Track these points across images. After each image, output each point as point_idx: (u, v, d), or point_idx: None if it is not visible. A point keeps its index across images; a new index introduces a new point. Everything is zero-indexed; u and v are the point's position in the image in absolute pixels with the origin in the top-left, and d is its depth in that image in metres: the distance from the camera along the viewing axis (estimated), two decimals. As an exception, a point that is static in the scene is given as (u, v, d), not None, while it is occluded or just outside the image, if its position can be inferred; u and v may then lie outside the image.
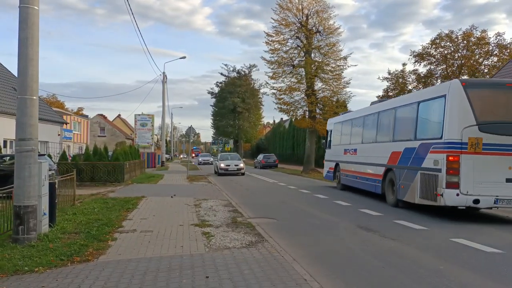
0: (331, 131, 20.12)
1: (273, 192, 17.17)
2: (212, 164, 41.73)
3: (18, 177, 6.93)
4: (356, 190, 16.39)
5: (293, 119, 39.66)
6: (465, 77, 38.17)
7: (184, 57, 41.22)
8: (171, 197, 14.03)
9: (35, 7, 7.10)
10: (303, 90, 34.61)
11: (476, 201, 9.64)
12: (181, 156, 49.20)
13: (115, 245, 7.01)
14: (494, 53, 37.83)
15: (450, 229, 8.98)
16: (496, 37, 37.34)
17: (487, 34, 37.29)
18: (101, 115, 68.02)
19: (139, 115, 42.43)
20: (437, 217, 10.57)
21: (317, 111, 34.85)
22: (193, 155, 77.21)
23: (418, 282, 5.36)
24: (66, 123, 32.67)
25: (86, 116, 54.07)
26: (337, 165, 18.36)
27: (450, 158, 9.77)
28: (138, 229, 8.32)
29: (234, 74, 66.56)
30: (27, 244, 6.77)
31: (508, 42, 37.16)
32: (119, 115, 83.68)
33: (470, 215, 11.22)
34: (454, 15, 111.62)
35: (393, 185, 12.55)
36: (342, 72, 34.92)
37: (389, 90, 40.96)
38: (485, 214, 11.51)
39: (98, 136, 60.99)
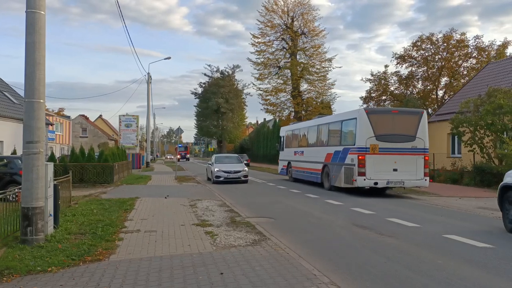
0: (283, 137, 25.18)
1: (262, 191, 17.42)
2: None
3: (26, 179, 7.01)
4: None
5: (277, 120, 40.05)
6: (445, 78, 39.20)
7: (169, 58, 41.10)
8: (165, 198, 14.16)
9: (42, 12, 7.19)
10: (289, 91, 35.09)
11: (376, 183, 15.16)
12: (168, 156, 45.78)
13: (123, 245, 7.16)
14: (473, 55, 38.88)
15: (440, 226, 9.39)
16: (475, 39, 38.46)
17: (466, 36, 38.35)
18: (83, 115, 67.15)
19: (123, 115, 42.08)
20: (415, 212, 11.03)
21: (303, 112, 35.27)
22: (178, 156, 63.59)
23: (421, 275, 5.69)
24: (52, 124, 32.28)
25: (68, 117, 53.38)
26: (289, 163, 23.53)
27: (360, 157, 15.18)
28: (142, 229, 8.47)
29: (218, 75, 66.53)
30: (36, 245, 6.86)
31: (486, 44, 38.29)
32: (101, 115, 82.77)
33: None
34: (428, 17, 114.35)
35: (328, 176, 17.82)
36: (327, 73, 35.59)
37: (371, 91, 41.69)
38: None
39: (80, 137, 60.24)
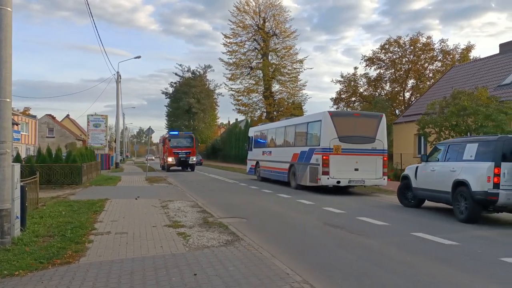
0: (252, 137, 25.54)
1: (234, 191, 17.43)
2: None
3: (-8, 181, 6.79)
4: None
5: (249, 120, 40.12)
6: (412, 81, 40.27)
7: (139, 57, 40.53)
8: (136, 199, 13.96)
9: (8, 9, 6.97)
10: (261, 92, 35.26)
11: (338, 182, 15.91)
12: (148, 157, 37.49)
13: (93, 247, 7.03)
14: (438, 58, 40.13)
15: (407, 224, 9.67)
16: (440, 43, 39.70)
17: (432, 40, 39.53)
18: (50, 115, 65.30)
19: (92, 115, 41.22)
20: (386, 211, 11.33)
21: (274, 112, 35.49)
22: (170, 159, 35.65)
23: (391, 272, 5.85)
24: (17, 124, 31.26)
25: (34, 117, 51.82)
26: (257, 163, 23.92)
27: (324, 157, 15.85)
28: (112, 231, 8.33)
29: (189, 75, 66.26)
30: (2, 248, 6.65)
31: (451, 48, 39.59)
32: (68, 115, 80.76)
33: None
34: (391, 20, 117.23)
35: (295, 175, 18.38)
36: (299, 74, 35.93)
37: (341, 93, 42.39)
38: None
39: (47, 137, 58.54)
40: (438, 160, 11.75)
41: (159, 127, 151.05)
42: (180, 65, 68.60)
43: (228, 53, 36.46)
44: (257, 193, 17.39)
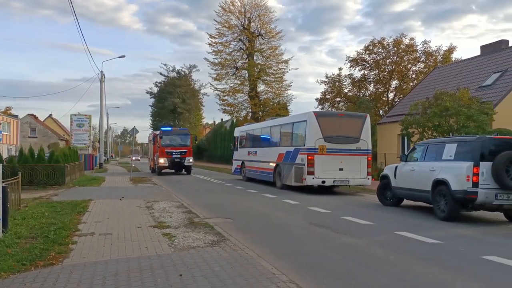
0: (238, 137, 25.32)
1: (220, 191, 17.40)
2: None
3: (-28, 181, 6.65)
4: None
5: (234, 120, 40.11)
6: (395, 81, 40.73)
7: (123, 56, 40.38)
8: (120, 199, 13.82)
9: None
10: (246, 92, 35.27)
11: (323, 182, 16.04)
12: (133, 157, 34.97)
13: (77, 248, 6.94)
14: (421, 59, 40.67)
15: (392, 224, 9.78)
16: (423, 45, 40.26)
17: (415, 41, 40.05)
18: (32, 115, 64.20)
19: (75, 115, 40.66)
20: (370, 210, 11.46)
21: (260, 113, 35.53)
22: (161, 160, 29.73)
23: (375, 271, 5.92)
24: (-2, 124, 30.69)
25: (16, 116, 50.93)
26: (243, 163, 23.79)
27: (309, 157, 15.94)
28: (97, 232, 8.24)
29: (174, 74, 65.93)
30: (-18, 250, 6.53)
31: (433, 50, 40.18)
32: (51, 115, 79.54)
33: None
34: (375, 22, 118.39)
35: (280, 175, 18.45)
36: (284, 75, 36.04)
37: (326, 93, 42.63)
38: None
39: (29, 137, 57.52)
40: (417, 160, 11.93)
41: (144, 127, 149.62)
42: (164, 64, 68.22)
43: (213, 53, 36.51)
44: (242, 193, 17.38)
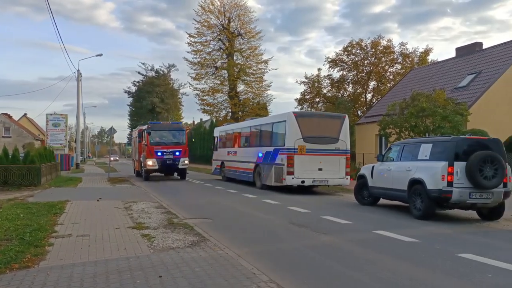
0: (217, 137, 25.33)
1: (199, 192, 17.34)
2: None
3: None
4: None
5: (214, 120, 39.98)
6: (373, 82, 41.30)
7: (100, 55, 39.71)
8: (97, 200, 13.62)
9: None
10: (226, 92, 35.19)
11: (303, 182, 16.18)
12: (112, 158, 32.56)
13: (53, 250, 6.80)
14: (398, 61, 41.34)
15: (371, 223, 9.92)
16: (400, 46, 40.92)
17: (392, 43, 40.69)
18: (6, 114, 62.52)
19: (51, 114, 39.78)
20: (349, 210, 11.61)
21: (240, 113, 35.50)
22: (149, 162, 23.46)
23: (354, 270, 5.99)
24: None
25: (-12, 115, 49.54)
26: (222, 163, 23.73)
27: (288, 157, 16.08)
28: (74, 234, 8.09)
29: (152, 74, 65.28)
30: (-46, 253, 6.34)
31: (410, 51, 40.89)
32: (25, 114, 77.68)
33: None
34: (352, 23, 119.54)
35: (260, 175, 18.52)
36: (263, 75, 36.12)
37: (306, 94, 42.91)
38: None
39: (3, 137, 56.05)
40: (393, 160, 12.14)
41: (122, 127, 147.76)
42: (143, 63, 67.61)
43: (192, 53, 36.32)
44: (222, 193, 17.35)
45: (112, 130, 26.85)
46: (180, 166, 23.62)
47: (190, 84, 39.75)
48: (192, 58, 36.36)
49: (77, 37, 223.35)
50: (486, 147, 10.12)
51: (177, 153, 23.32)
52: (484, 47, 27.81)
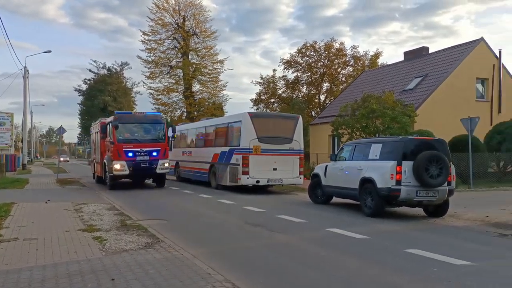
0: (171, 137, 24.00)
1: (154, 193, 17.04)
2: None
3: None
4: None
5: (169, 120, 39.43)
6: (327, 84, 42.22)
7: (49, 51, 37.98)
8: (46, 202, 13.09)
9: None
10: (181, 91, 34.78)
11: (258, 181, 16.37)
12: (61, 158, 30.43)
13: (-2, 256, 6.50)
14: (350, 63, 42.51)
15: (324, 221, 10.16)
16: (351, 49, 42.08)
17: (344, 46, 41.78)
18: None
19: (-5, 112, 37.80)
20: (303, 208, 11.86)
21: (195, 113, 35.21)
22: (119, 164, 17.67)
23: (308, 267, 6.13)
24: None
25: None
26: (177, 163, 23.30)
27: (244, 158, 16.17)
28: (20, 237, 7.74)
29: (104, 71, 63.48)
30: None
31: (361, 54, 42.15)
32: (-35, 112, 73.11)
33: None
34: (306, 25, 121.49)
35: (215, 175, 18.51)
36: (219, 75, 36.04)
37: (261, 94, 43.20)
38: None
39: None
40: (345, 160, 12.51)
41: (72, 126, 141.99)
42: (94, 61, 65.27)
43: (146, 51, 35.64)
44: (177, 193, 17.16)
45: (61, 130, 25.86)
46: (158, 171, 18.27)
47: (144, 83, 39.00)
48: (146, 56, 35.79)
49: (24, 33, 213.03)
50: (432, 147, 10.64)
51: (154, 153, 18.08)
52: (430, 51, 29.13)
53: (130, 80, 65.82)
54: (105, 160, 18.90)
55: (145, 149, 17.97)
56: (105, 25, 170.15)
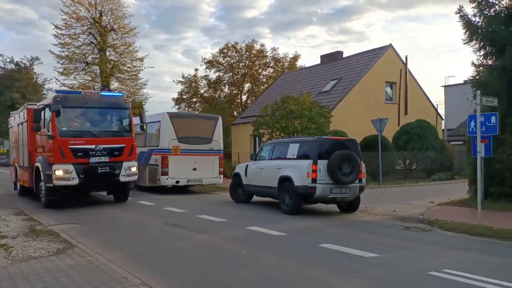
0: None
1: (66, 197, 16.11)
2: None
3: None
4: None
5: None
6: (248, 84, 42.82)
7: None
8: None
9: None
10: (98, 89, 33.21)
11: (177, 182, 16.24)
12: None
13: None
14: (271, 65, 43.50)
15: (244, 220, 10.34)
16: (272, 51, 43.08)
17: (265, 48, 42.63)
18: None
19: None
20: (224, 208, 11.99)
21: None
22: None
23: (230, 265, 6.22)
24: None
25: None
26: None
27: (163, 158, 16.00)
28: None
29: (12, 66, 58.79)
30: None
31: (281, 56, 43.31)
32: None
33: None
34: (227, 25, 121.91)
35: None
36: (139, 72, 34.99)
37: (183, 93, 42.68)
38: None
39: None
40: (265, 159, 12.84)
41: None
42: (0, 55, 60.03)
43: (59, 45, 33.56)
44: (93, 196, 16.31)
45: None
46: (122, 178, 12.77)
47: (57, 79, 36.58)
48: (59, 51, 33.72)
49: None
50: (344, 146, 11.26)
51: (116, 153, 12.64)
52: (344, 55, 30.74)
53: (41, 76, 61.56)
54: (38, 164, 12.70)
55: (103, 146, 12.36)
56: (12, 16, 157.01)
